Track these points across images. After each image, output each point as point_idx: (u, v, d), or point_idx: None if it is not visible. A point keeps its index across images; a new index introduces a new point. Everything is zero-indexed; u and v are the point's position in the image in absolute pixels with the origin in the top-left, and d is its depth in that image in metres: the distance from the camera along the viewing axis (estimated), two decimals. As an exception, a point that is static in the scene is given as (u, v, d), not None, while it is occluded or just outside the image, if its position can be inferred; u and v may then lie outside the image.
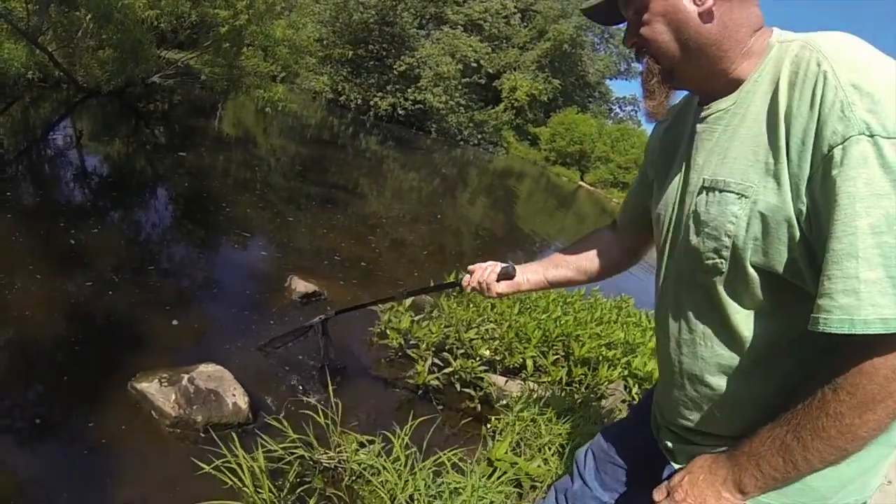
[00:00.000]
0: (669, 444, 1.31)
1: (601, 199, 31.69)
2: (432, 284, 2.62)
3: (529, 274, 1.73)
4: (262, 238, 5.27)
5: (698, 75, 1.07)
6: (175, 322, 3.25)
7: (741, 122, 1.00)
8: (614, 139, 37.44)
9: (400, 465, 2.36)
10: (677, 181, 1.16)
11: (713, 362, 1.09)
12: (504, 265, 1.77)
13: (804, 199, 0.88)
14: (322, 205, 7.36)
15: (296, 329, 3.18)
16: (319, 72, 27.81)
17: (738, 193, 0.96)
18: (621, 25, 1.17)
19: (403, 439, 2.44)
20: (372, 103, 28.65)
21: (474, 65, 32.55)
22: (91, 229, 4.07)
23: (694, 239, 1.05)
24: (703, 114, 1.09)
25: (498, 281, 1.75)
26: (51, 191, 4.73)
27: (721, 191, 0.99)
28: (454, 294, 4.35)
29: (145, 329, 3.11)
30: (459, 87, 31.04)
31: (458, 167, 21.56)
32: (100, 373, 2.66)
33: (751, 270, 0.97)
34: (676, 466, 1.26)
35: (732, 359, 1.06)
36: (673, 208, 1.17)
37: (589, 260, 1.66)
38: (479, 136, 33.90)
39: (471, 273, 1.85)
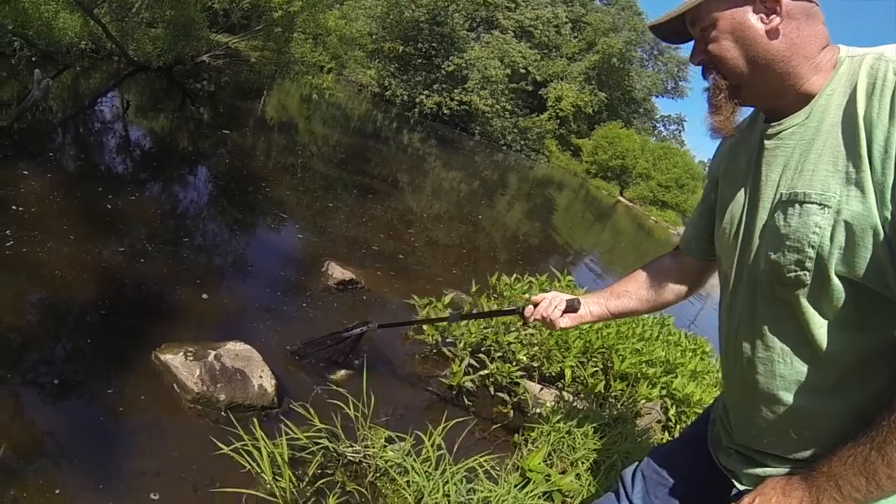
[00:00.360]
0: (734, 466, 1.28)
1: (639, 215, 31.27)
2: (489, 310, 2.51)
3: (592, 306, 1.71)
4: (300, 221, 5.18)
5: (766, 91, 1.08)
6: (205, 296, 3.15)
7: (816, 134, 1.01)
8: (657, 157, 36.94)
9: (429, 467, 2.21)
10: (744, 199, 1.17)
11: (792, 379, 1.07)
12: (569, 298, 1.72)
13: (889, 205, 0.89)
14: (362, 195, 7.26)
15: (333, 334, 3.02)
16: (367, 66, 27.94)
17: (819, 204, 0.96)
18: (680, 46, 1.25)
19: (435, 440, 2.29)
20: (417, 101, 28.66)
21: (522, 71, 32.46)
22: (129, 196, 4.00)
23: (773, 254, 1.04)
24: (771, 130, 1.10)
25: (563, 314, 1.72)
26: (92, 156, 4.70)
27: (801, 203, 0.99)
28: (494, 295, 4.19)
29: (175, 300, 3.01)
30: (506, 91, 31.00)
31: (499, 171, 21.38)
32: (125, 339, 2.57)
33: (835, 280, 0.96)
34: (742, 488, 1.23)
35: (813, 375, 1.04)
36: (740, 225, 1.17)
37: (651, 289, 1.64)
38: (522, 143, 33.78)
39: (534, 304, 1.81)
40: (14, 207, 3.13)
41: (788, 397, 1.08)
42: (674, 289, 1.60)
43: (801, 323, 1.03)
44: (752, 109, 1.23)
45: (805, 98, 1.04)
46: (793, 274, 1.01)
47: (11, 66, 5.72)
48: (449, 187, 12.08)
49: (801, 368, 1.05)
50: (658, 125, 51.40)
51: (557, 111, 36.54)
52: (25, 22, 6.45)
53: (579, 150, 39.07)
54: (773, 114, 1.11)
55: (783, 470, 1.13)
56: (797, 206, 1.00)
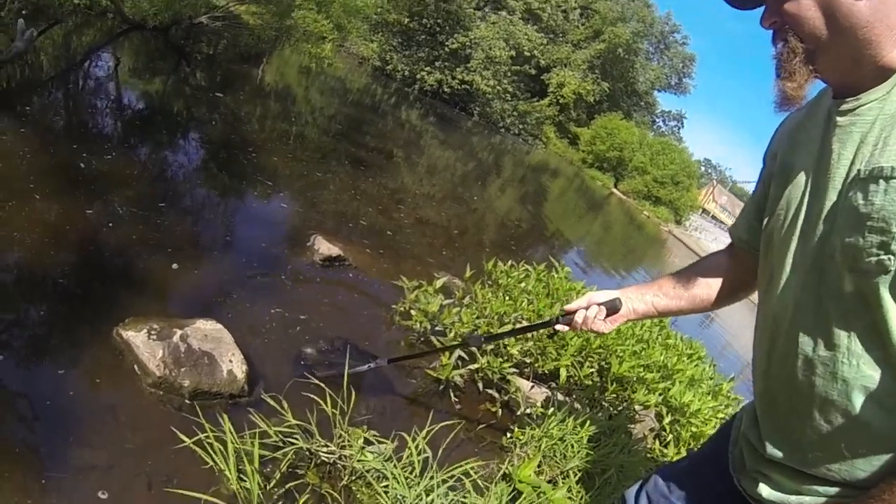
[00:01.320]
0: (763, 490, 1.14)
1: (632, 209, 31.17)
2: (514, 327, 2.24)
3: (637, 303, 1.56)
4: (288, 191, 4.93)
5: (844, 60, 0.99)
6: (175, 266, 2.90)
7: None
8: (654, 152, 36.68)
9: (411, 473, 2.01)
10: (806, 181, 1.08)
11: (857, 384, 0.95)
12: (607, 300, 1.54)
13: None
14: (355, 168, 7.02)
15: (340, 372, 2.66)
16: (369, 38, 27.44)
17: None
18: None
19: (419, 444, 2.09)
20: (418, 77, 28.26)
21: (527, 54, 32.01)
22: (105, 156, 3.72)
23: (849, 237, 0.93)
24: (846, 106, 1.01)
25: (605, 318, 1.56)
26: (72, 114, 4.39)
27: (887, 178, 0.89)
28: (489, 283, 3.98)
29: (144, 269, 2.78)
30: (509, 73, 30.64)
31: (495, 154, 21.09)
32: (85, 311, 2.34)
33: None
34: None
35: (884, 381, 0.93)
36: (800, 210, 1.07)
37: (703, 286, 1.48)
38: (521, 127, 33.51)
39: (568, 312, 1.63)
40: (-22, 161, 2.87)
41: (849, 405, 0.96)
42: (729, 288, 1.46)
43: (876, 318, 0.91)
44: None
45: (884, 72, 0.96)
46: (874, 258, 0.90)
47: (0, 18, 5.42)
48: (443, 166, 11.84)
49: (870, 372, 0.93)
50: (658, 120, 51.19)
51: (558, 97, 36.21)
52: (15, -25, 6.19)
53: (577, 139, 38.77)
54: (845, 88, 1.01)
55: (818, 496, 1.03)
56: (881, 182, 0.89)
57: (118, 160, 3.80)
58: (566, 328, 1.64)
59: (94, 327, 2.25)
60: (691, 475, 1.46)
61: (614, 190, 35.78)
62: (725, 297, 1.46)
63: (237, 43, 12.38)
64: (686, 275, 1.51)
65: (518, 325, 3.26)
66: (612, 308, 1.52)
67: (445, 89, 28.84)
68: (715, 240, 28.71)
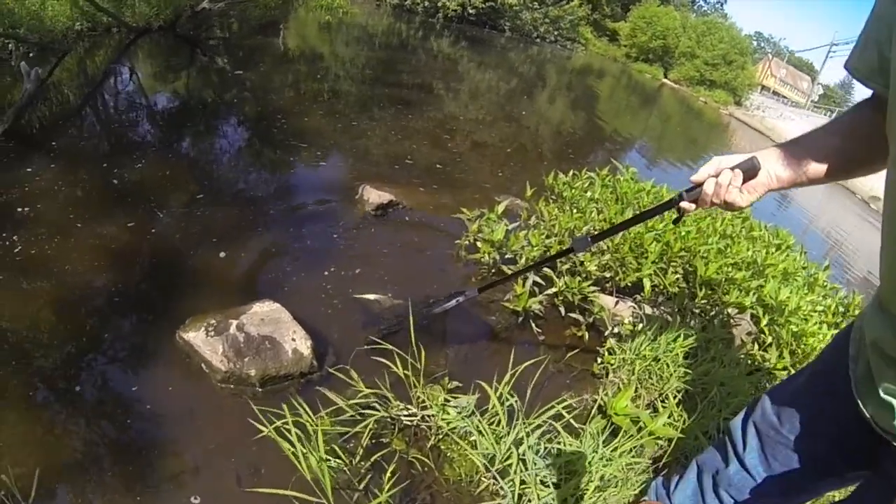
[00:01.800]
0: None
1: (687, 97, 29.65)
2: (624, 219, 1.86)
3: (779, 169, 1.17)
4: (328, 149, 4.77)
5: None
6: (223, 255, 2.83)
7: None
8: (700, 34, 34.46)
9: (497, 425, 1.88)
10: None
11: None
12: (742, 162, 1.18)
13: None
14: (395, 110, 6.80)
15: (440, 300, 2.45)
16: (381, -22, 26.56)
17: None
18: None
19: (502, 393, 1.95)
20: (440, 4, 27.18)
21: (546, -45, 30.27)
22: (135, 164, 3.63)
23: None
24: None
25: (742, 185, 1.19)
26: (96, 135, 4.22)
27: None
28: (553, 199, 3.75)
29: (192, 267, 2.71)
30: (532, -20, 29.10)
31: (536, 65, 20.26)
32: (145, 324, 2.30)
33: None
34: None
35: None
36: None
37: (858, 146, 1.12)
38: (556, 33, 32.00)
39: (695, 185, 1.26)
40: (20, 210, 2.83)
41: None
42: (883, 146, 1.06)
43: None
44: None
45: None
46: None
47: (10, 68, 5.42)
48: (486, 88, 11.40)
49: None
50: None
51: (588, -5, 34.31)
52: (14, 21, 6.18)
53: (616, 35, 36.95)
54: None
55: None
56: None
57: (149, 166, 3.70)
58: (692, 207, 1.30)
59: (157, 336, 2.21)
60: (805, 401, 1.23)
61: (665, 80, 34.08)
62: (881, 157, 1.07)
63: (247, 18, 12.15)
64: (837, 132, 1.17)
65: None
66: (750, 170, 1.17)
67: (470, 11, 27.70)
68: (780, 116, 26.79)
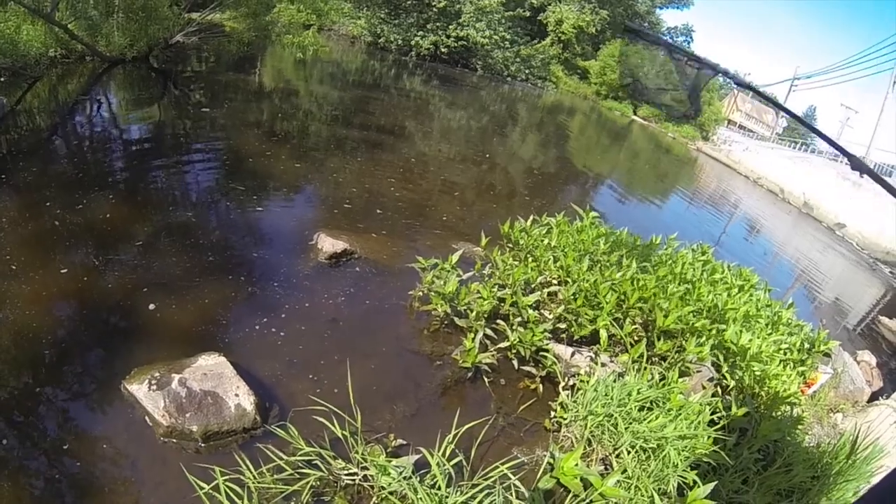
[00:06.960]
0: None
1: (656, 133, 30.33)
2: None
3: None
4: (289, 192, 4.73)
5: None
6: (172, 304, 2.76)
7: None
8: (668, 71, 35.30)
9: (440, 488, 1.83)
10: None
11: None
12: None
13: None
14: (363, 151, 6.79)
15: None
16: (355, 16, 26.79)
17: None
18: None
19: (446, 451, 1.91)
20: (413, 43, 27.55)
21: (517, -3, 30.91)
22: (76, 206, 3.52)
23: None
24: None
25: None
26: (45, 172, 4.10)
27: None
28: (509, 247, 3.72)
29: (139, 313, 2.63)
30: (503, 20, 29.67)
31: (507, 103, 20.58)
32: (89, 374, 2.23)
33: None
34: None
35: None
36: None
37: None
38: (527, 72, 32.53)
39: None
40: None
41: None
42: None
43: None
44: None
45: None
46: None
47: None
48: (456, 126, 11.49)
49: None
50: (666, 38, 49.16)
51: (559, 35, 35.01)
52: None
53: (587, 73, 37.64)
54: None
55: None
56: None
57: (90, 207, 3.55)
58: None
59: (104, 384, 2.16)
60: None
61: (634, 117, 34.75)
62: None
63: (222, 52, 12.16)
64: None
65: (549, 288, 3.00)
66: None
67: (443, 49, 28.10)
68: (746, 149, 27.51)
